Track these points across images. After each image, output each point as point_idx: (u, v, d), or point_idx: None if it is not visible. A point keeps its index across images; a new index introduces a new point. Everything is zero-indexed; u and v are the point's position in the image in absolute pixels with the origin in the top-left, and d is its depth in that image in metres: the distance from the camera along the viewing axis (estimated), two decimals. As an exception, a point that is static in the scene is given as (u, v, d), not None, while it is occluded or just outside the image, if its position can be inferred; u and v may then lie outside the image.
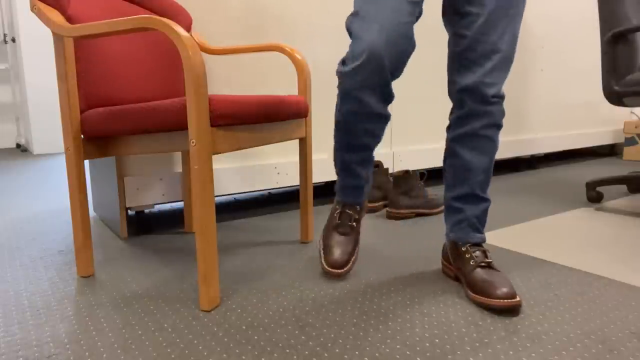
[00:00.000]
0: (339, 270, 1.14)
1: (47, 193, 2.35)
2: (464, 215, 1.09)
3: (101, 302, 1.04)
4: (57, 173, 3.06)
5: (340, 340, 0.86)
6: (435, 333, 0.88)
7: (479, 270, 1.03)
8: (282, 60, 1.83)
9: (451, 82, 1.09)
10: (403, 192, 1.74)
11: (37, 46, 4.13)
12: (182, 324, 0.93)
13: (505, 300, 0.95)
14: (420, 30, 2.20)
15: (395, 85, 2.17)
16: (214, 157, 1.70)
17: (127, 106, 1.06)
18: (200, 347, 0.84)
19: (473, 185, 1.08)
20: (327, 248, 1.19)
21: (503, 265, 1.23)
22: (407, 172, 1.74)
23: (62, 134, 3.65)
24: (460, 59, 1.05)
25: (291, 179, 1.88)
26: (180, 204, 2.05)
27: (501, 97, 1.05)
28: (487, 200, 1.10)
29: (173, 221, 1.76)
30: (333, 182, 2.37)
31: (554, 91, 2.91)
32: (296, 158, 1.91)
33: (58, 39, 1.10)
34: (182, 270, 1.23)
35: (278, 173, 1.84)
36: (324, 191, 2.25)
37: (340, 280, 1.14)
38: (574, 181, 2.43)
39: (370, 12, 0.95)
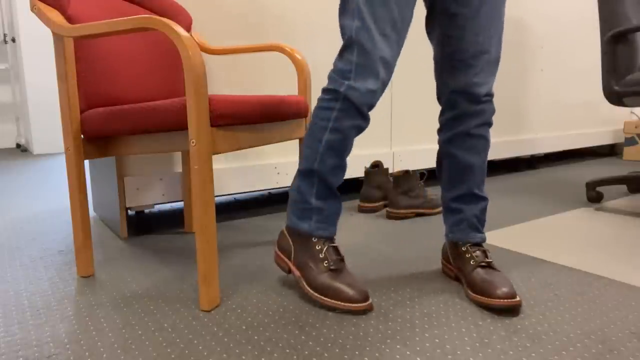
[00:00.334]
0: (368, 302, 0.97)
1: (47, 193, 2.35)
2: (463, 215, 1.09)
3: (101, 302, 1.04)
4: (57, 173, 3.06)
5: (340, 340, 0.86)
6: (435, 333, 0.88)
7: (479, 270, 1.03)
8: (282, 60, 1.83)
9: (441, 84, 1.09)
10: (403, 192, 1.74)
11: (37, 46, 4.13)
12: (182, 324, 0.93)
13: (506, 300, 0.95)
14: (419, 30, 2.20)
15: (395, 85, 2.17)
16: (214, 157, 1.70)
17: (127, 106, 1.06)
18: (200, 347, 0.84)
19: (471, 185, 1.09)
20: (331, 291, 0.98)
21: (503, 265, 1.23)
22: (407, 172, 1.74)
23: (62, 134, 3.65)
24: (450, 60, 1.05)
25: (291, 179, 1.88)
26: (180, 204, 2.05)
27: (492, 96, 1.07)
28: (485, 199, 1.10)
29: (173, 221, 1.76)
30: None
31: (554, 91, 2.91)
32: (296, 158, 1.91)
33: (58, 39, 1.10)
34: (182, 270, 1.23)
35: (278, 173, 1.84)
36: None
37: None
38: (574, 181, 2.43)
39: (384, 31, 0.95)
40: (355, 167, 2.05)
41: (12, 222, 1.77)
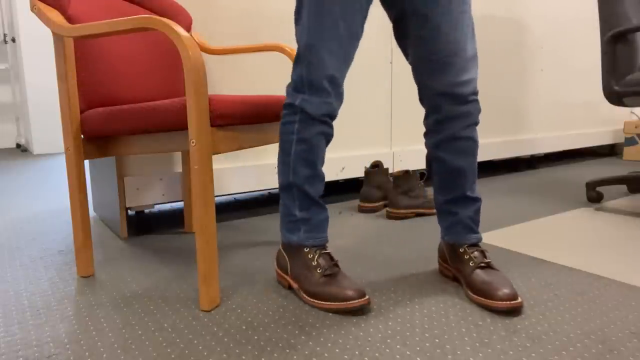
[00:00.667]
0: (365, 298, 0.97)
1: (47, 193, 2.35)
2: (458, 217, 1.09)
3: (101, 302, 1.04)
4: (57, 173, 3.06)
5: (340, 340, 0.86)
6: (435, 333, 0.88)
7: (478, 271, 1.03)
8: (282, 60, 1.83)
9: (424, 87, 1.07)
10: (403, 192, 1.74)
11: (37, 46, 4.13)
12: (182, 324, 0.93)
13: (507, 302, 0.94)
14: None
15: (395, 85, 2.17)
16: (214, 157, 1.70)
17: (127, 106, 1.06)
18: (200, 347, 0.84)
19: (463, 188, 1.08)
20: (327, 295, 0.98)
21: (503, 265, 1.23)
22: (407, 172, 1.74)
23: (62, 134, 3.65)
24: (428, 62, 1.03)
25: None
26: (180, 204, 2.05)
27: (477, 94, 1.06)
28: (478, 199, 1.10)
29: (173, 221, 1.76)
30: (332, 182, 2.37)
31: (554, 91, 2.91)
32: (296, 158, 1.90)
33: (58, 39, 1.10)
34: (182, 270, 1.23)
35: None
36: (324, 191, 2.25)
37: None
38: (574, 181, 2.43)
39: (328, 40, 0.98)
40: (355, 167, 2.05)
41: (12, 222, 1.77)
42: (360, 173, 2.06)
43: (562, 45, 2.90)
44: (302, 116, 1.01)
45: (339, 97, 1.02)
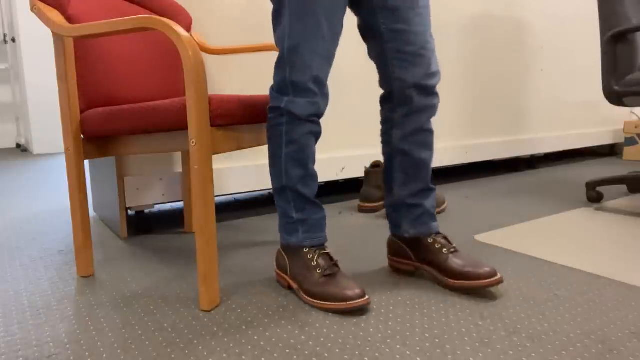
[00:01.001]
0: (365, 298, 0.96)
1: (47, 193, 2.35)
2: (423, 209, 1.12)
3: (101, 302, 1.04)
4: (57, 173, 3.06)
5: (340, 340, 0.86)
6: (435, 333, 0.88)
7: (451, 257, 1.07)
8: (282, 60, 1.83)
9: (396, 81, 1.08)
10: (403, 192, 1.73)
11: (37, 46, 4.13)
12: (182, 324, 0.93)
13: (492, 279, 1.01)
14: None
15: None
16: (214, 157, 1.70)
17: (127, 106, 1.06)
18: (200, 347, 0.84)
19: (426, 179, 1.13)
20: (327, 295, 0.97)
21: (503, 265, 1.23)
22: (407, 172, 1.74)
23: (62, 134, 3.65)
24: (400, 55, 1.05)
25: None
26: (180, 204, 2.05)
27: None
28: (434, 188, 1.15)
29: (173, 221, 1.76)
30: (332, 182, 2.37)
31: (554, 91, 2.91)
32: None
33: (58, 39, 1.10)
34: (182, 270, 1.23)
35: (278, 173, 1.84)
36: (324, 191, 2.25)
37: (340, 280, 1.14)
38: (574, 181, 2.43)
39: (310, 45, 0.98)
40: (355, 167, 2.05)
41: (12, 222, 1.77)
42: (360, 173, 2.06)
43: (562, 45, 2.90)
44: (289, 118, 1.01)
45: (325, 97, 1.03)
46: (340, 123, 2.02)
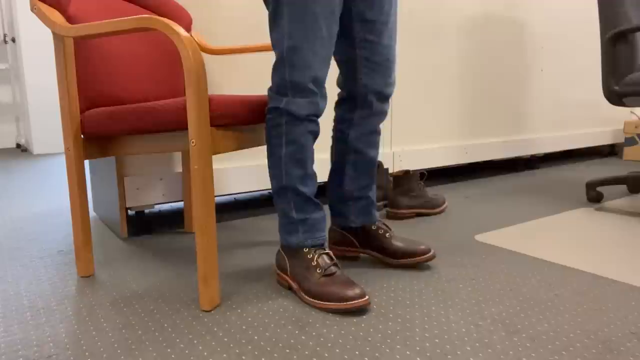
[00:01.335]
0: (365, 298, 0.96)
1: (47, 193, 2.35)
2: (369, 200, 1.24)
3: (101, 302, 1.04)
4: (57, 173, 3.06)
5: (340, 340, 0.86)
6: (435, 333, 0.88)
7: (393, 240, 1.21)
8: (282, 60, 1.83)
9: (359, 85, 1.16)
10: (403, 192, 1.74)
11: (37, 46, 4.13)
12: (182, 324, 0.93)
13: (429, 254, 1.19)
14: (420, 31, 2.20)
15: (396, 85, 2.16)
16: (214, 157, 1.70)
17: (127, 106, 1.06)
18: (200, 347, 0.84)
19: (372, 174, 1.24)
20: (327, 294, 0.98)
21: (503, 265, 1.23)
22: (407, 172, 1.74)
23: (62, 134, 3.65)
24: (368, 63, 1.14)
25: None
26: (180, 204, 2.05)
27: None
28: (375, 181, 1.26)
29: (173, 221, 1.76)
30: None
31: (554, 91, 2.91)
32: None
33: (58, 39, 1.10)
34: (182, 270, 1.23)
35: (278, 173, 1.84)
36: (323, 191, 2.25)
37: (340, 280, 1.14)
38: (574, 181, 2.43)
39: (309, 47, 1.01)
40: (355, 167, 2.05)
41: (12, 222, 1.77)
42: (360, 173, 2.06)
43: (562, 45, 2.90)
44: (288, 118, 1.02)
45: (324, 97, 1.05)
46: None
